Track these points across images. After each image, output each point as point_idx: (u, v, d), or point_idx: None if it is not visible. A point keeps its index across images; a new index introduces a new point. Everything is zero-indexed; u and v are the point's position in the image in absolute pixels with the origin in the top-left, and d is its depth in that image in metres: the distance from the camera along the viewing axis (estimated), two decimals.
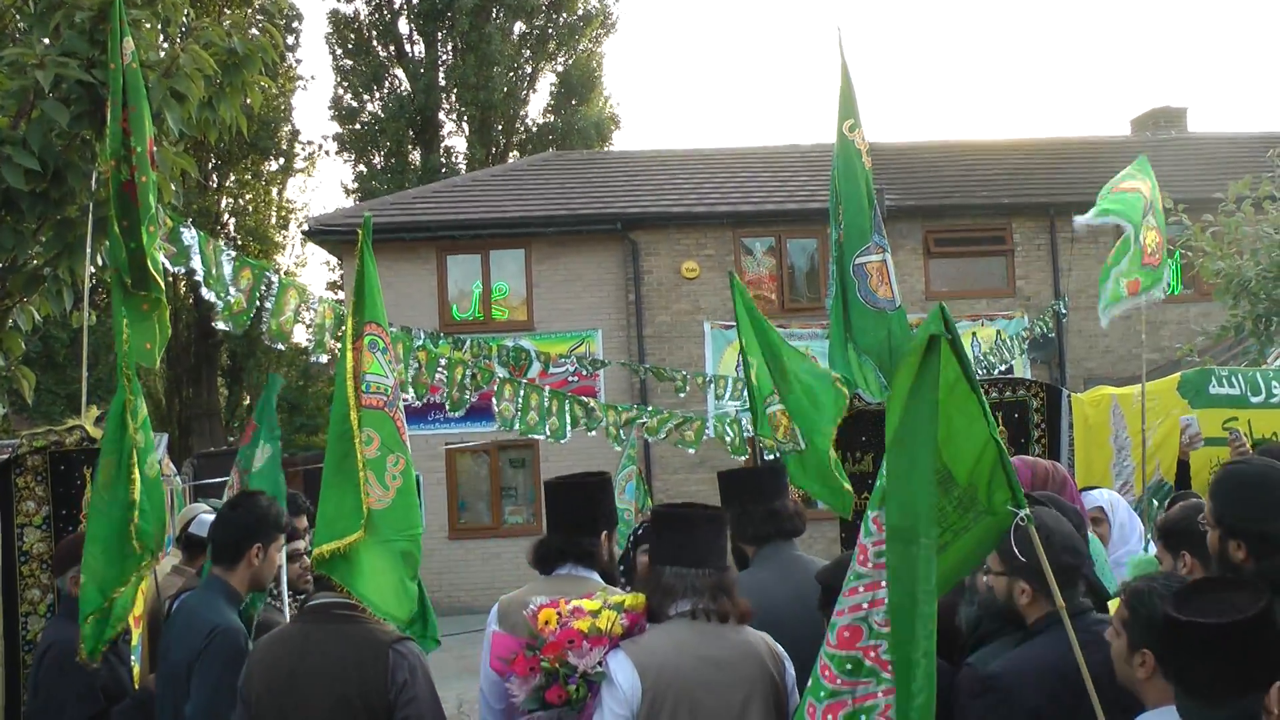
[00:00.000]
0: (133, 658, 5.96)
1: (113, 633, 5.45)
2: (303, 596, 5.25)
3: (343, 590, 4.67)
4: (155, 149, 5.93)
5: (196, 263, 6.07)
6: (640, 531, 7.10)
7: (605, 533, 5.33)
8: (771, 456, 7.61)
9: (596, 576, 5.24)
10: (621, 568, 6.76)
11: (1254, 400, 8.24)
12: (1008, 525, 3.91)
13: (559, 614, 4.56)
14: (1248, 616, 3.10)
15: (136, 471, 5.25)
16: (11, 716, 6.51)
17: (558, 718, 4.52)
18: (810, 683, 3.97)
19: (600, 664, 4.42)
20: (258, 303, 6.44)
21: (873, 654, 3.84)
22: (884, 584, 3.82)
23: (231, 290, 6.13)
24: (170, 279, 6.01)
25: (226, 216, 42.48)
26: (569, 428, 8.34)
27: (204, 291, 6.05)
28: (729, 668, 4.41)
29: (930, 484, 3.73)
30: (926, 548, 3.68)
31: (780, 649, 4.67)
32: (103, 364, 26.33)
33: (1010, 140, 28.87)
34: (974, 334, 22.43)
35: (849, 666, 3.86)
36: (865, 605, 3.87)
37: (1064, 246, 24.35)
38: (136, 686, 5.99)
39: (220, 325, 6.17)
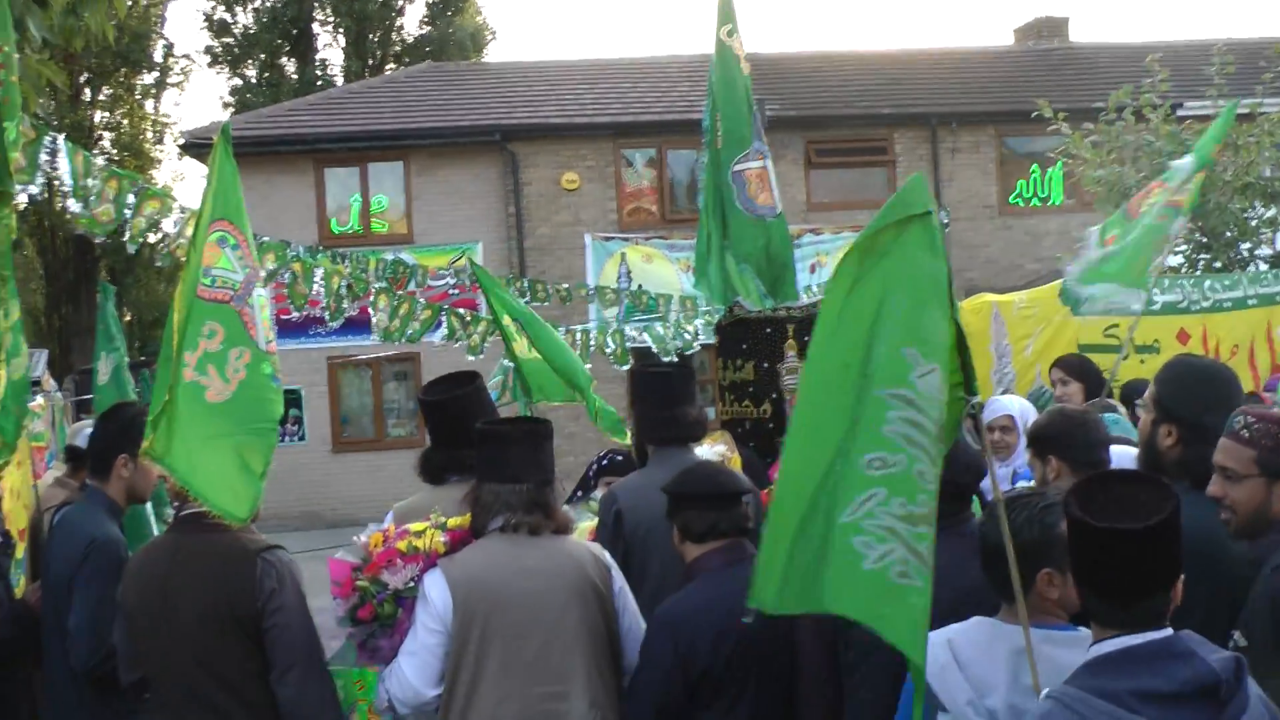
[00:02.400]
0: (18, 571, 5.86)
1: None
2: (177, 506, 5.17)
3: None
4: (17, 56, 5.74)
5: (64, 174, 5.92)
6: (605, 461, 7.06)
7: None
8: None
9: None
10: (580, 493, 6.88)
11: (1134, 308, 8.15)
12: (960, 414, 3.70)
13: (385, 536, 4.65)
14: (1160, 520, 3.00)
15: (2, 369, 5.12)
16: None
17: (370, 635, 4.61)
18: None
19: (413, 580, 4.50)
20: (126, 213, 6.29)
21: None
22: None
23: (93, 197, 5.98)
24: (47, 194, 5.84)
25: (100, 131, 41.61)
26: (447, 336, 8.29)
27: (70, 203, 5.91)
28: (543, 576, 4.47)
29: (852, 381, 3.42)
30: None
31: (607, 559, 4.75)
32: None
33: (892, 50, 28.70)
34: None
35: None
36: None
37: (945, 157, 24.52)
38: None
39: (79, 231, 6.02)
